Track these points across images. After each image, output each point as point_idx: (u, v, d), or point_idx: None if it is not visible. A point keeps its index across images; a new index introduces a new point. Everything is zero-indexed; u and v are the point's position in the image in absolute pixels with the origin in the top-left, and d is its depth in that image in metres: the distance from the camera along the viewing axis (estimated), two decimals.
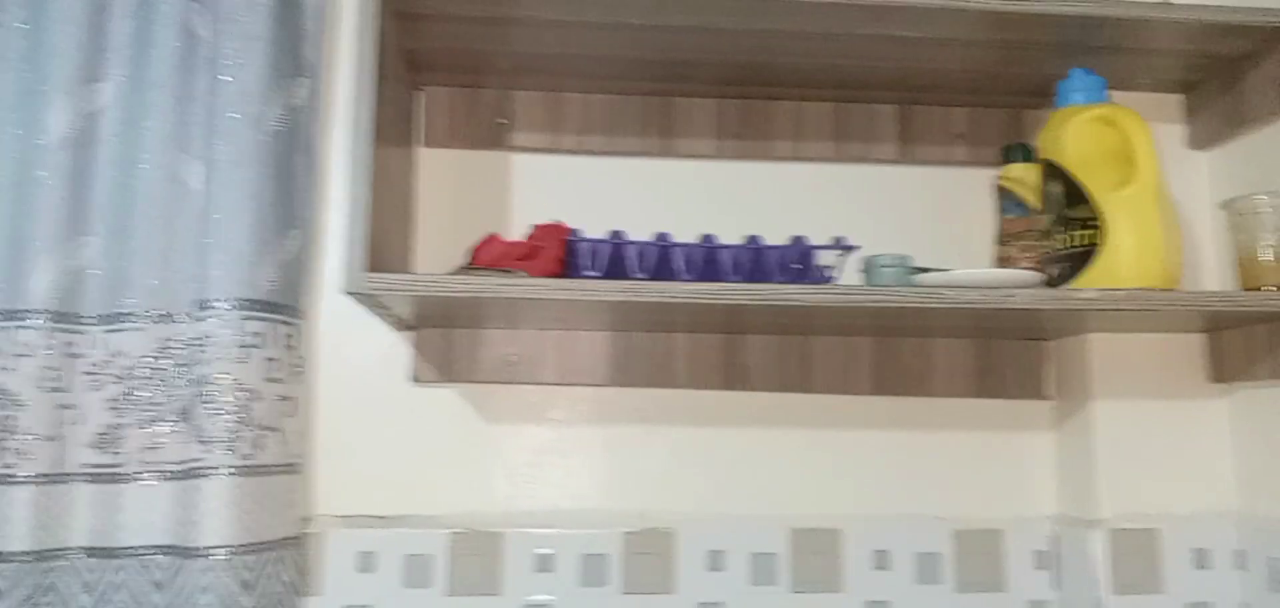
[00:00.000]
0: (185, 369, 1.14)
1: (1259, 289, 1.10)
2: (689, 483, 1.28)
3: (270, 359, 1.15)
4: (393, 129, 1.13)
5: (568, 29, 1.13)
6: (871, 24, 1.11)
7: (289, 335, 1.17)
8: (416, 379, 1.25)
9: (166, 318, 1.16)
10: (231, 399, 1.12)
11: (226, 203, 1.14)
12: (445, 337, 1.25)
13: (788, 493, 1.29)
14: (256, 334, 1.14)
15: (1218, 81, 1.26)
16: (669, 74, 1.27)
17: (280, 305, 1.16)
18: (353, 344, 1.25)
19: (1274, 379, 1.16)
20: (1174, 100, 1.34)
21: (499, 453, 1.26)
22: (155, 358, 1.16)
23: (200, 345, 1.13)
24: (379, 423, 1.25)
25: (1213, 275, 1.29)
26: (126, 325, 1.16)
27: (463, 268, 1.19)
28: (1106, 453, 1.24)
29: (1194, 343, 1.28)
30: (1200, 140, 1.31)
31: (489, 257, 1.18)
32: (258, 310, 1.14)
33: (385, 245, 1.07)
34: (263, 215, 1.15)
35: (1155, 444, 1.25)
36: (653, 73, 1.27)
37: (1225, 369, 1.24)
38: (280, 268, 1.17)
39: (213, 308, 1.13)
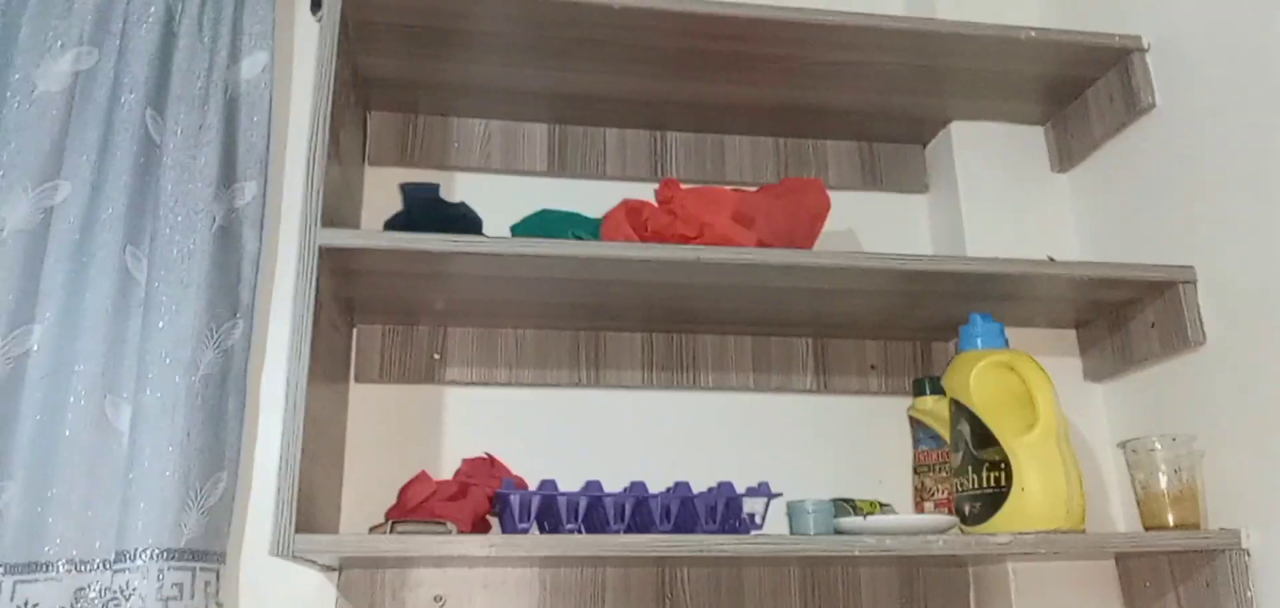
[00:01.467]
0: None
1: (1162, 526, 1.16)
2: None
3: None
4: (326, 368, 1.15)
5: (500, 282, 1.18)
6: (784, 279, 1.18)
7: (209, 584, 1.15)
8: None
9: (83, 566, 1.13)
10: None
11: (153, 449, 1.14)
12: (371, 578, 1.24)
13: None
14: (176, 585, 1.12)
15: (1106, 322, 1.36)
16: (598, 314, 1.33)
17: (202, 553, 1.15)
18: (276, 588, 1.23)
19: None
20: (1069, 336, 1.43)
21: None
22: None
23: (116, 598, 1.10)
24: None
25: (1118, 503, 1.36)
26: (40, 576, 1.13)
27: (391, 511, 1.19)
28: None
29: (1107, 570, 1.33)
30: (1094, 374, 1.40)
31: (417, 498, 1.19)
32: (178, 560, 1.12)
33: (314, 493, 1.07)
34: (190, 461, 1.15)
35: None
36: (582, 314, 1.32)
37: (1137, 599, 1.29)
38: (205, 514, 1.16)
39: (132, 558, 1.10)
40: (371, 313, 1.31)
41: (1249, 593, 1.11)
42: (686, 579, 1.30)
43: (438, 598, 1.24)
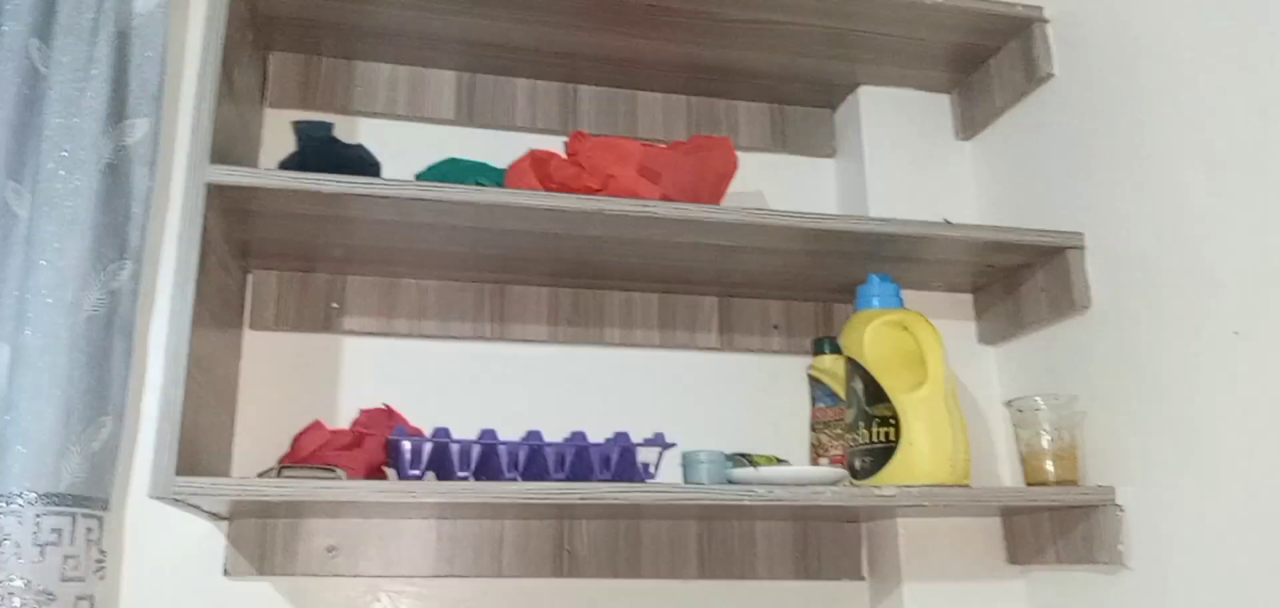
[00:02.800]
0: None
1: (1042, 483, 1.21)
2: None
3: (69, 557, 1.09)
4: (217, 313, 1.12)
5: (399, 228, 1.16)
6: (689, 234, 1.19)
7: (91, 530, 1.12)
8: (229, 573, 1.20)
9: None
10: (24, 601, 1.05)
11: (32, 390, 1.10)
12: (261, 527, 1.22)
13: None
14: (55, 531, 1.08)
15: (1000, 286, 1.40)
16: (503, 265, 1.31)
17: (84, 499, 1.11)
18: (163, 536, 1.20)
19: (1060, 563, 1.25)
20: (965, 300, 1.47)
21: None
22: None
23: None
24: None
25: (1005, 461, 1.40)
26: None
27: (284, 459, 1.17)
28: None
29: (993, 526, 1.37)
30: (988, 337, 1.44)
31: (311, 446, 1.17)
32: (58, 505, 1.09)
33: (201, 438, 1.05)
34: (71, 404, 1.11)
35: None
36: (486, 266, 1.31)
37: (1019, 553, 1.33)
38: (87, 458, 1.12)
39: (7, 502, 1.07)
40: (267, 258, 1.28)
41: (1120, 546, 1.16)
42: (584, 532, 1.31)
43: (330, 549, 1.23)
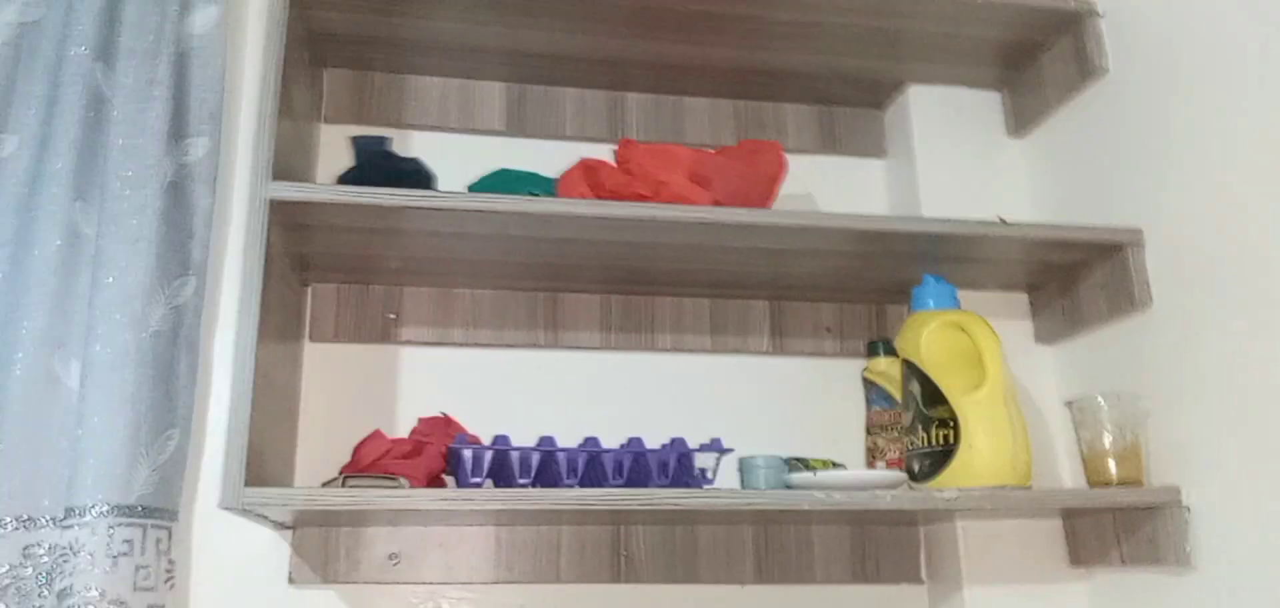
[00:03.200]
0: (49, 580, 1.10)
1: (1105, 483, 1.19)
2: None
3: (140, 567, 1.12)
4: (279, 326, 1.14)
5: (454, 239, 1.18)
6: (739, 238, 1.19)
7: (160, 541, 1.14)
8: (294, 581, 1.22)
9: (30, 524, 1.12)
10: None
11: (102, 405, 1.13)
12: (324, 536, 1.24)
13: None
14: (126, 542, 1.11)
15: (1056, 285, 1.38)
16: (555, 274, 1.33)
17: (154, 510, 1.14)
18: (229, 545, 1.22)
19: (1125, 565, 1.23)
20: (1021, 299, 1.45)
21: None
22: (16, 567, 1.11)
23: (66, 555, 1.09)
24: None
25: (1065, 462, 1.38)
26: None
27: (345, 468, 1.19)
28: None
29: (1054, 528, 1.35)
30: (1045, 336, 1.42)
31: (372, 456, 1.18)
32: (129, 517, 1.11)
33: (266, 449, 1.07)
34: (140, 417, 1.14)
35: None
36: (539, 274, 1.32)
37: (1082, 554, 1.31)
38: (156, 470, 1.15)
39: (81, 514, 1.10)
40: (326, 271, 1.30)
41: (1187, 548, 1.13)
42: (641, 537, 1.31)
43: (392, 556, 1.24)
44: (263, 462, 1.05)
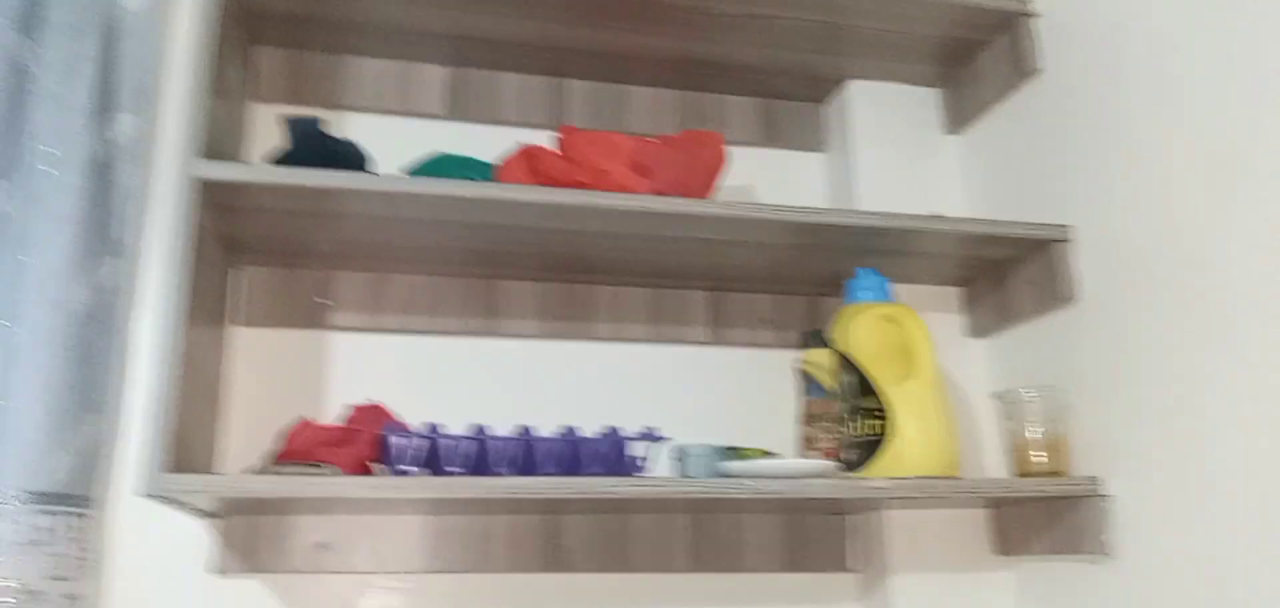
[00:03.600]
0: None
1: (1031, 474, 1.21)
2: None
3: (57, 555, 1.09)
4: (205, 309, 1.12)
5: (389, 223, 1.16)
6: (679, 228, 1.19)
7: (79, 528, 1.11)
8: (219, 570, 1.20)
9: None
10: (12, 600, 1.05)
11: (19, 388, 1.10)
12: (251, 524, 1.21)
13: None
14: (42, 529, 1.08)
15: (988, 280, 1.41)
16: (492, 260, 1.31)
17: (71, 497, 1.11)
18: (152, 534, 1.19)
19: (1048, 554, 1.26)
20: (953, 293, 1.48)
21: None
22: None
23: None
24: None
25: (992, 454, 1.41)
26: None
27: (273, 455, 1.17)
28: None
29: (980, 518, 1.38)
30: (977, 330, 1.45)
31: (301, 444, 1.16)
32: (46, 503, 1.08)
33: (189, 435, 1.04)
34: (59, 401, 1.11)
35: None
36: (476, 261, 1.31)
37: (1008, 543, 1.34)
38: (75, 455, 1.12)
39: None
40: (254, 254, 1.27)
41: (1104, 536, 1.16)
42: (575, 527, 1.31)
43: (320, 545, 1.22)
44: (186, 448, 1.02)
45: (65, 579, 1.09)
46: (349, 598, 1.23)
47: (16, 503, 1.06)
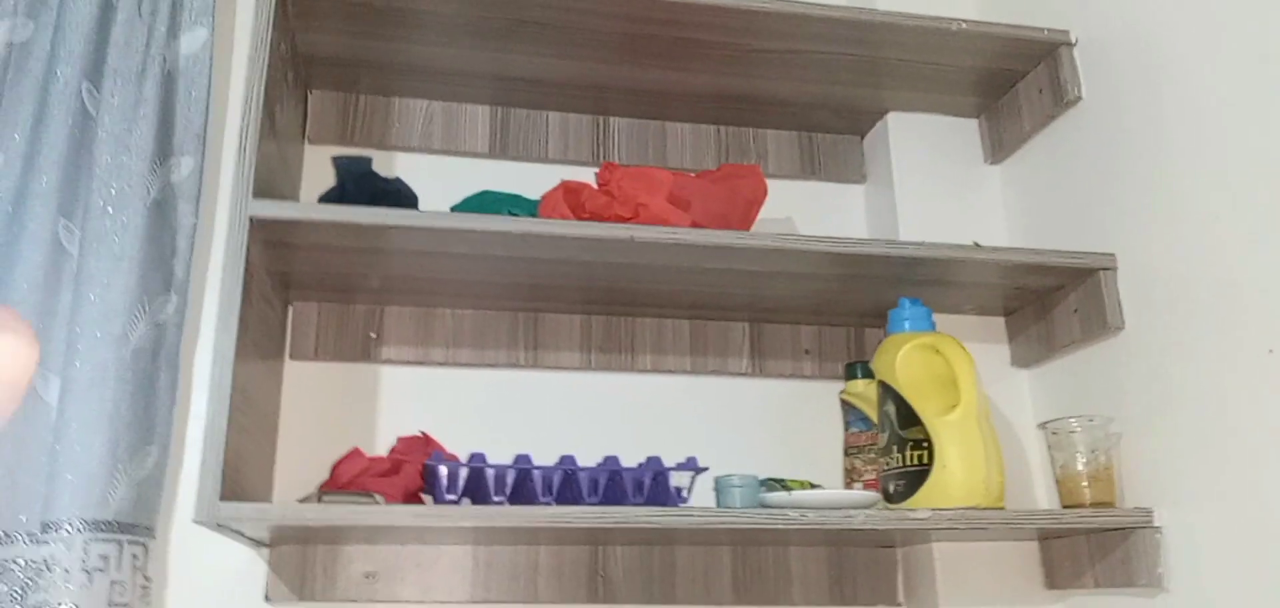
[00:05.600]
0: (22, 596, 1.10)
1: (1079, 505, 1.20)
2: None
3: (116, 583, 1.12)
4: (259, 344, 1.15)
5: (436, 258, 1.19)
6: (719, 260, 1.20)
7: (136, 556, 1.15)
8: (270, 599, 1.22)
9: (6, 539, 1.12)
10: None
11: (81, 421, 1.13)
12: (302, 553, 1.24)
13: None
14: (102, 557, 1.11)
15: (1032, 309, 1.40)
16: (536, 294, 1.34)
17: (130, 526, 1.14)
18: (206, 562, 1.23)
19: (1099, 587, 1.24)
20: (998, 323, 1.47)
21: None
22: None
23: (40, 570, 1.09)
24: None
25: (1041, 484, 1.39)
26: None
27: (323, 485, 1.20)
28: None
29: (1030, 551, 1.36)
30: (1021, 360, 1.43)
31: (349, 474, 1.19)
32: (105, 532, 1.12)
33: (244, 465, 1.07)
34: (118, 434, 1.14)
35: None
36: (520, 294, 1.33)
37: (1057, 577, 1.32)
38: (134, 486, 1.15)
39: (57, 529, 1.10)
40: (307, 290, 1.31)
41: (1159, 569, 1.14)
42: (619, 558, 1.32)
43: (369, 575, 1.24)
44: (240, 478, 1.05)
45: (124, 606, 1.12)
46: None
47: (76, 531, 1.10)
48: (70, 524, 1.10)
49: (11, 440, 1.14)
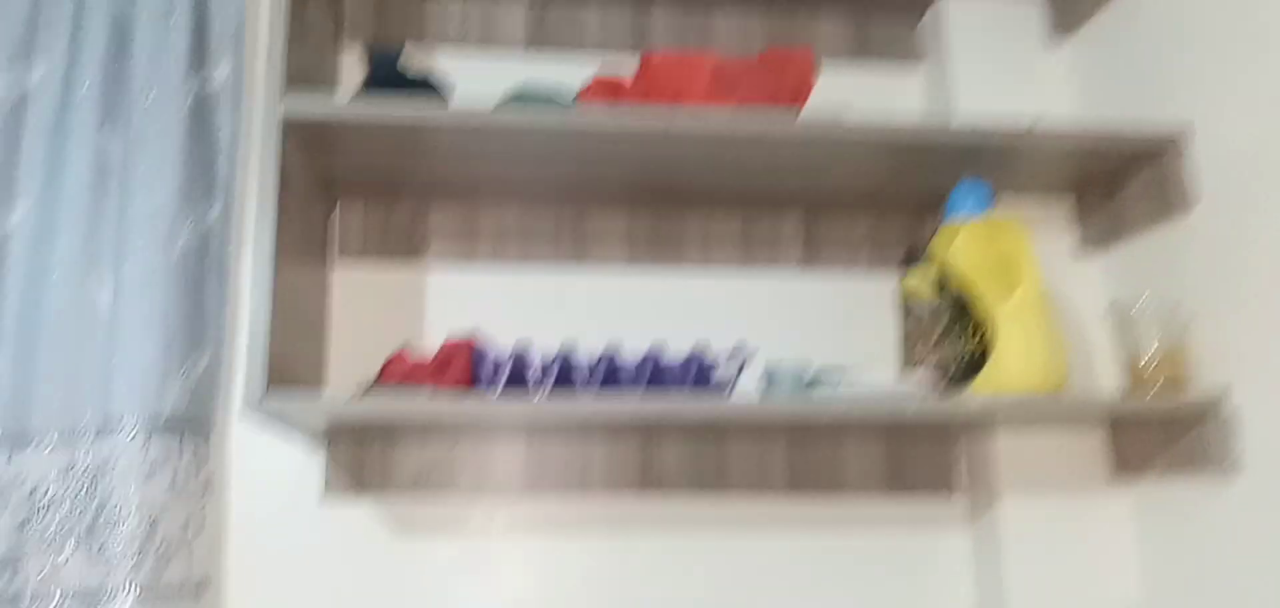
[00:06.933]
0: (90, 490, 1.13)
1: (1147, 389, 1.14)
2: (607, 593, 1.28)
3: (176, 478, 1.15)
4: (304, 245, 1.15)
5: (476, 156, 1.17)
6: (763, 149, 1.16)
7: (196, 452, 1.17)
8: (328, 492, 1.24)
9: (71, 438, 1.16)
10: (137, 520, 1.11)
11: (134, 322, 1.15)
12: (357, 450, 1.25)
13: (706, 600, 1.29)
14: (163, 452, 1.14)
15: (1101, 188, 1.32)
16: (578, 190, 1.31)
17: (188, 423, 1.17)
18: (264, 459, 1.25)
19: (1170, 474, 1.19)
20: (1064, 205, 1.39)
21: (415, 570, 1.25)
22: (59, 479, 1.15)
23: (105, 466, 1.13)
24: (290, 539, 1.24)
25: (1108, 374, 1.33)
26: (29, 447, 1.15)
27: (371, 384, 1.20)
28: (1014, 552, 1.26)
29: (1096, 439, 1.31)
30: (1090, 243, 1.36)
31: (398, 373, 1.19)
32: (164, 430, 1.14)
33: (293, 363, 1.08)
34: (171, 334, 1.16)
35: (1062, 541, 1.27)
36: (563, 188, 1.31)
37: (1126, 465, 1.27)
38: (189, 386, 1.17)
39: (118, 428, 1.13)
40: (352, 190, 1.30)
41: (1235, 453, 1.09)
42: (670, 452, 1.31)
43: (423, 471, 1.26)
44: (288, 373, 1.06)
45: (185, 499, 1.15)
46: (454, 519, 1.26)
47: (139, 428, 1.12)
48: (130, 422, 1.13)
49: (68, 344, 1.17)
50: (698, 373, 1.09)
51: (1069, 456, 1.30)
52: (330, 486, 1.25)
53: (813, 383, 1.11)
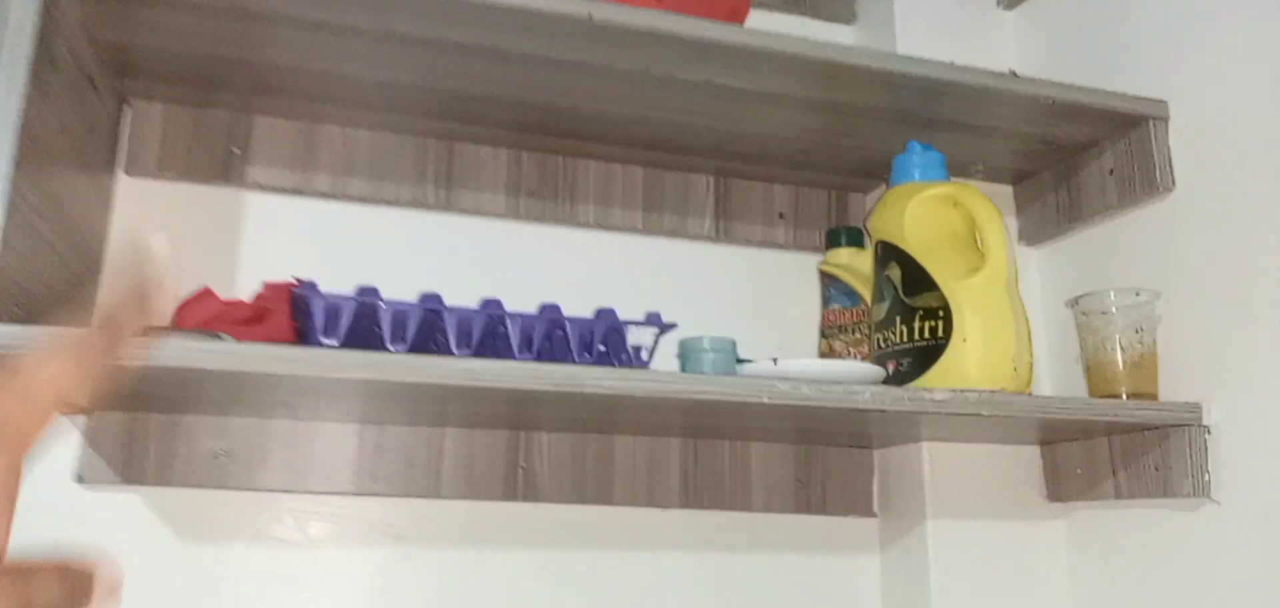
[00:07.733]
0: None
1: (1113, 395, 0.98)
2: None
3: None
4: (76, 145, 0.84)
5: (324, 35, 0.88)
6: (696, 66, 0.93)
7: None
8: (82, 479, 0.92)
9: None
10: None
11: None
12: (128, 423, 0.94)
13: None
14: None
15: (1052, 172, 1.18)
16: (453, 110, 1.04)
17: None
18: None
19: (1124, 498, 1.04)
20: (1005, 192, 1.24)
21: (201, 583, 0.95)
22: None
23: None
24: (31, 538, 0.90)
25: (1048, 380, 1.18)
26: None
27: (157, 329, 0.89)
28: (941, 580, 1.08)
29: (1028, 456, 1.15)
30: (1032, 235, 1.21)
31: (197, 318, 0.89)
32: None
33: (45, 297, 0.77)
34: None
35: (992, 570, 1.11)
36: (433, 105, 1.04)
37: (1064, 487, 1.12)
38: None
39: None
40: (153, 83, 0.99)
41: (1206, 475, 0.94)
42: (545, 448, 1.06)
43: (219, 455, 0.95)
44: (38, 309, 0.75)
45: None
46: (255, 521, 0.97)
47: None
48: None
49: None
50: (606, 339, 0.85)
51: (999, 474, 1.14)
52: (87, 471, 0.92)
53: (744, 362, 0.89)
